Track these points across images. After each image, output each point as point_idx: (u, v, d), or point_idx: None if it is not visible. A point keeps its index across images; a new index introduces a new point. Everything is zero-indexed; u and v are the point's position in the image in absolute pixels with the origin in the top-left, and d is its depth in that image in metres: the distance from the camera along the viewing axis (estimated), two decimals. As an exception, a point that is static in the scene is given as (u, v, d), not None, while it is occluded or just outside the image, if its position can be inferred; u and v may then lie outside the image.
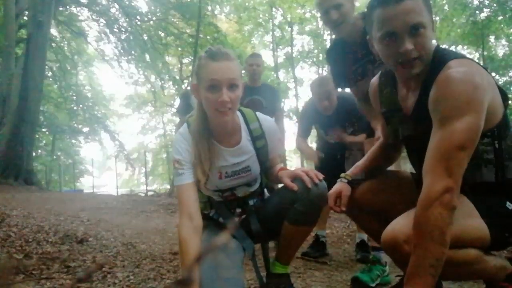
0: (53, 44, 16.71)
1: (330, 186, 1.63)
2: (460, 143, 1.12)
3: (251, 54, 3.69)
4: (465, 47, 20.15)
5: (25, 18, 13.24)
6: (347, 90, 2.61)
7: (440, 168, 1.13)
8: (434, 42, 1.29)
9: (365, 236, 2.81)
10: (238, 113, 1.61)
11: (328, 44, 24.09)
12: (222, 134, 1.56)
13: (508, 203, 1.30)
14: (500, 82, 15.55)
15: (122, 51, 16.45)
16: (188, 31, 17.17)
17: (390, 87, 1.45)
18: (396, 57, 1.26)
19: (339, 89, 2.76)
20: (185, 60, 22.73)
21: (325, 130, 3.01)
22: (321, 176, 1.56)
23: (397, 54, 1.24)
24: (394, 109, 1.43)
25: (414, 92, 1.34)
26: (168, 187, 15.18)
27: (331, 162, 2.89)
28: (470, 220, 1.24)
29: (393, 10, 1.21)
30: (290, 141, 28.67)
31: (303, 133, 3.14)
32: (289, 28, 25.55)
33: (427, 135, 1.21)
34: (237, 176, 1.61)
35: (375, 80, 1.55)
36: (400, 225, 1.24)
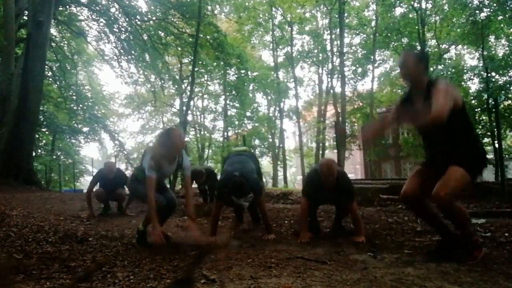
0: (53, 44, 16.69)
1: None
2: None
3: None
4: (465, 46, 20.12)
5: (25, 18, 13.23)
6: None
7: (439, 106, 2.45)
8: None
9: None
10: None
11: (327, 44, 24.08)
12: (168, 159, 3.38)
13: None
14: (500, 82, 15.59)
15: (122, 51, 16.45)
16: (188, 31, 17.16)
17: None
18: None
19: None
20: (185, 60, 22.75)
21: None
22: None
23: None
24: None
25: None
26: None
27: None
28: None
29: None
30: (289, 141, 28.74)
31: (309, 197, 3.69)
32: (289, 28, 25.52)
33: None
34: (168, 168, 3.37)
35: None
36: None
